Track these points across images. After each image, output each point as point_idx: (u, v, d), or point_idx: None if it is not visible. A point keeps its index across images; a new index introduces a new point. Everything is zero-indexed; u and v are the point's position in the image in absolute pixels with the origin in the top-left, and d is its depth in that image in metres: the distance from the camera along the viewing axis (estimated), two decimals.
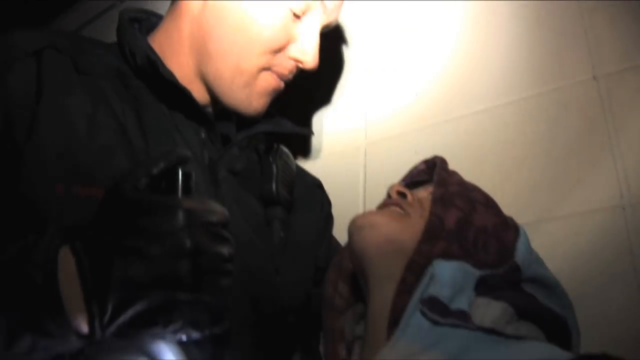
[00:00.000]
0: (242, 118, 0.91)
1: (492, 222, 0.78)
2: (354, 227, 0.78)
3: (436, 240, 0.74)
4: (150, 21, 0.93)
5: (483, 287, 0.72)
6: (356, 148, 1.22)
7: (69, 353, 0.60)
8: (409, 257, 0.73)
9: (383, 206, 0.82)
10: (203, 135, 0.87)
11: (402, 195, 0.80)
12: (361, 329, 0.81)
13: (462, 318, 0.67)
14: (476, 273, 0.73)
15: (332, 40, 1.20)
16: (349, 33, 1.28)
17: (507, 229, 0.79)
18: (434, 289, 0.69)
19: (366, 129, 1.21)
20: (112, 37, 0.92)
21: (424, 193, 0.84)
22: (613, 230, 0.90)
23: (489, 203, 0.81)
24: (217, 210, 0.62)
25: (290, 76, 0.90)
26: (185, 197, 0.61)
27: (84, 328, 0.57)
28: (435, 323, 0.67)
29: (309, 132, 1.15)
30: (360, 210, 1.12)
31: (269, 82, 0.88)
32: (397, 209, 0.79)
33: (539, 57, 1.06)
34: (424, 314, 0.68)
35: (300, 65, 0.89)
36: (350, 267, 0.82)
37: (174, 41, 0.88)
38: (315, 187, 1.06)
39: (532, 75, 1.06)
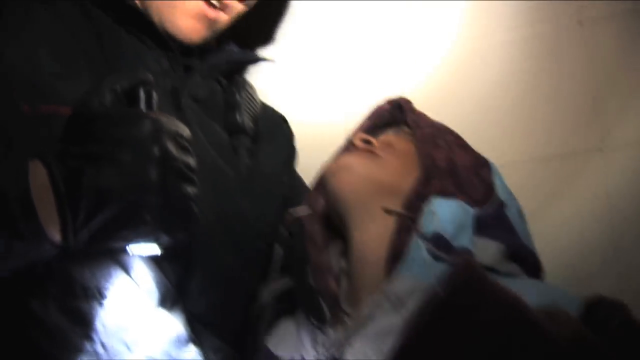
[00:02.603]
0: (203, 49, 0.92)
1: (470, 160, 0.80)
2: (329, 171, 0.79)
3: (432, 179, 0.75)
4: None
5: (478, 226, 0.73)
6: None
7: (43, 261, 0.62)
8: (405, 195, 0.75)
9: (347, 152, 0.82)
10: (164, 63, 0.87)
11: (367, 142, 0.81)
12: (343, 263, 0.81)
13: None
14: (474, 211, 0.74)
15: (326, 31, 1.17)
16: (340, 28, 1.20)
17: (483, 165, 0.81)
18: (436, 226, 0.70)
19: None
20: None
21: (389, 136, 0.84)
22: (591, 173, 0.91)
23: (462, 142, 0.83)
24: (181, 125, 0.64)
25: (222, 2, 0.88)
26: (150, 111, 0.64)
27: (57, 235, 0.59)
28: (439, 260, 0.68)
29: (269, 59, 1.10)
30: None
31: (197, 4, 0.86)
32: (365, 153, 0.80)
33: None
34: (428, 251, 0.68)
35: None
36: (321, 208, 0.83)
37: None
38: (280, 119, 1.07)
39: (518, 17, 1.05)
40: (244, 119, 0.93)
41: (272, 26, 1.17)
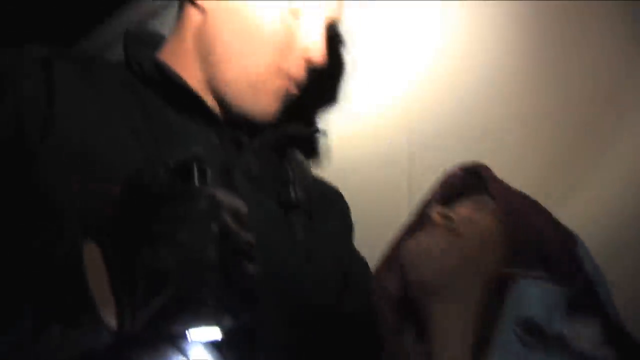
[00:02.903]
0: (254, 124, 0.91)
1: (557, 235, 0.77)
2: (408, 255, 0.77)
3: (518, 257, 0.73)
4: (155, 41, 0.93)
5: (569, 306, 0.71)
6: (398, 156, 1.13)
7: (99, 349, 0.59)
8: (490, 276, 0.72)
9: (419, 228, 0.81)
10: (215, 140, 0.86)
11: (448, 218, 0.78)
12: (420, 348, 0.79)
13: (560, 343, 0.66)
14: (564, 291, 0.71)
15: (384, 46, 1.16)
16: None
17: (571, 240, 0.78)
18: (526, 310, 0.68)
19: (409, 137, 1.12)
20: None
21: (468, 209, 0.80)
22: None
23: (548, 215, 0.80)
24: (239, 200, 0.63)
25: (300, 75, 0.88)
26: (205, 186, 0.62)
27: (113, 320, 0.57)
28: (530, 347, 0.66)
29: (322, 133, 1.12)
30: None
31: (277, 84, 0.87)
32: (444, 231, 0.77)
33: None
34: (517, 337, 0.66)
35: (309, 62, 0.88)
36: (394, 290, 0.82)
37: (179, 54, 0.88)
38: (335, 194, 1.06)
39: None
40: (298, 194, 0.91)
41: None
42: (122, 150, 0.76)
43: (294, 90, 0.89)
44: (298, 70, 0.87)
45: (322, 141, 1.16)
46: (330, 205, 1.01)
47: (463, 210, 0.80)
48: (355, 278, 0.91)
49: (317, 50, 0.86)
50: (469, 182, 0.84)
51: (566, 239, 0.78)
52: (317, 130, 1.09)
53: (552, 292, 0.70)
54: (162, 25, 1.09)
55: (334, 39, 1.06)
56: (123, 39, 0.89)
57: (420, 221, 0.81)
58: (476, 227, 0.77)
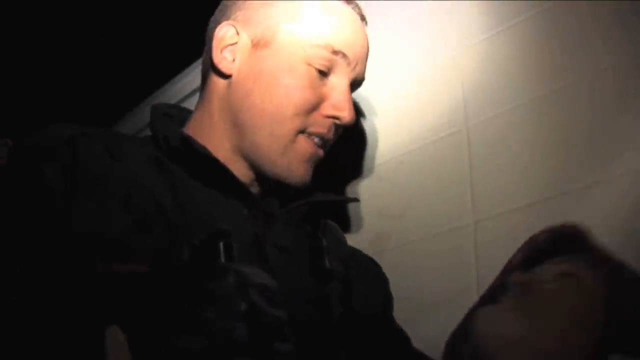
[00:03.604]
0: (287, 189, 0.91)
1: None
2: (477, 324, 0.67)
3: (613, 335, 0.61)
4: (182, 116, 0.95)
5: None
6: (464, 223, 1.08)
7: None
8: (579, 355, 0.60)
9: (506, 297, 0.69)
10: (245, 212, 0.85)
11: (524, 286, 0.67)
12: None
13: None
14: None
15: None
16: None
17: None
18: None
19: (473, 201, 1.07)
20: None
21: (551, 273, 0.66)
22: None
23: None
24: (267, 276, 0.61)
25: (330, 135, 0.89)
26: (232, 262, 0.61)
27: None
28: None
29: (355, 199, 1.13)
30: (474, 296, 0.91)
31: (307, 146, 0.87)
32: (519, 299, 0.66)
33: None
34: None
35: (337, 122, 0.89)
36: None
37: (206, 125, 0.89)
38: (370, 262, 1.03)
39: None
40: (333, 264, 0.89)
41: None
42: (147, 230, 0.74)
43: (323, 151, 0.89)
44: (325, 131, 0.88)
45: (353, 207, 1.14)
46: (367, 273, 0.98)
47: (551, 279, 0.66)
48: (397, 347, 0.88)
49: (344, 109, 0.87)
50: (556, 244, 0.69)
51: None
52: (351, 199, 1.09)
53: None
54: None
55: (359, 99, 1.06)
56: (150, 115, 0.90)
57: (499, 288, 0.70)
58: (564, 301, 0.64)
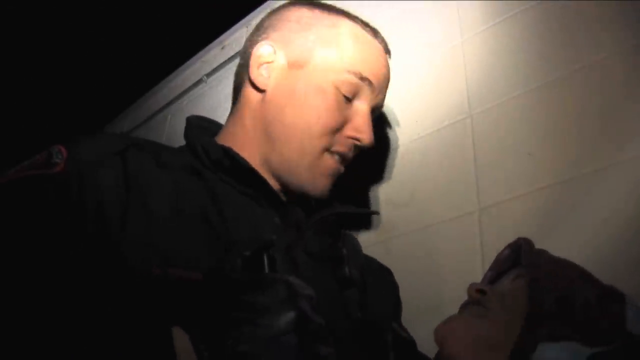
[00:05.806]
0: (308, 200, 0.95)
1: (594, 295, 0.76)
2: (437, 338, 0.80)
3: (538, 325, 0.73)
4: (212, 129, 0.99)
5: None
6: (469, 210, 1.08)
7: None
8: (512, 346, 0.73)
9: (464, 307, 0.83)
10: (277, 220, 0.89)
11: (481, 292, 0.81)
12: None
13: None
14: (585, 351, 0.71)
15: None
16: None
17: (613, 298, 0.76)
18: None
19: (478, 189, 1.08)
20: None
21: (507, 283, 0.83)
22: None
23: (586, 276, 0.80)
24: (307, 286, 0.66)
25: (350, 154, 0.95)
26: (277, 274, 0.66)
27: None
28: None
29: (375, 212, 1.19)
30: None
31: (331, 162, 0.93)
32: (477, 307, 0.80)
33: None
34: None
35: (358, 143, 0.94)
36: None
37: (239, 136, 0.93)
38: (383, 270, 1.08)
39: None
40: (352, 272, 0.94)
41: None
42: (193, 236, 0.78)
43: (343, 168, 0.95)
44: (347, 151, 0.93)
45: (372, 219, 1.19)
46: (381, 281, 1.03)
47: (499, 287, 0.82)
48: (403, 349, 0.93)
49: (365, 133, 0.93)
50: (513, 258, 0.86)
51: (605, 297, 0.76)
52: (372, 211, 1.15)
53: (568, 354, 0.71)
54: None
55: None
56: (185, 127, 0.96)
57: (464, 303, 0.83)
58: (505, 302, 0.78)
